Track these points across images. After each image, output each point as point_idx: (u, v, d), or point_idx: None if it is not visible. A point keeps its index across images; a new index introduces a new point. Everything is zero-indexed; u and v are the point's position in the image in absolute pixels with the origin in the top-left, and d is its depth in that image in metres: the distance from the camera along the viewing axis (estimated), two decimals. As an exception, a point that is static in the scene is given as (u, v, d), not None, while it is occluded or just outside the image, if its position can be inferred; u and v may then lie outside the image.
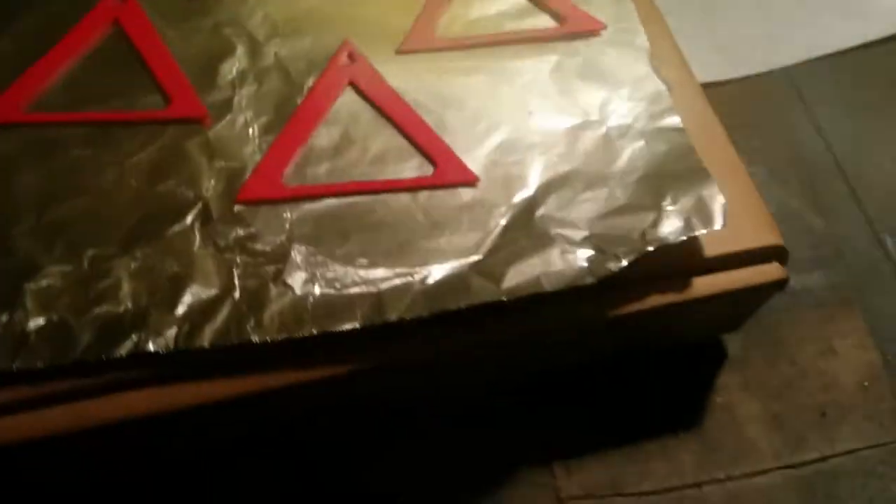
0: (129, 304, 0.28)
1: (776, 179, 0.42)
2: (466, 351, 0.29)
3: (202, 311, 0.28)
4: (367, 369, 0.28)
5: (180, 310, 0.28)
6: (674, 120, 0.33)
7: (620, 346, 0.34)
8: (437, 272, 0.29)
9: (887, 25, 0.47)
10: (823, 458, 0.34)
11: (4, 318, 0.27)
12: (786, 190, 0.42)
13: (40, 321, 0.27)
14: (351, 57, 0.34)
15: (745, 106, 0.45)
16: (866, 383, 0.36)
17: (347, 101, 0.33)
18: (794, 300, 0.38)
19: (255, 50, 0.34)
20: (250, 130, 0.32)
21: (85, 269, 0.29)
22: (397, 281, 0.28)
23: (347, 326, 0.27)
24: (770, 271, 0.30)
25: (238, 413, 0.29)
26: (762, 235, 0.30)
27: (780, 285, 0.31)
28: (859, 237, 0.41)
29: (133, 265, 0.29)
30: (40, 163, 0.31)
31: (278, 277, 0.28)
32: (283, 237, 0.30)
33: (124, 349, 0.27)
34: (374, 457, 0.33)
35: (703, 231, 0.29)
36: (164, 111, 0.32)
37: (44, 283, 0.28)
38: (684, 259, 0.30)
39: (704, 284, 0.30)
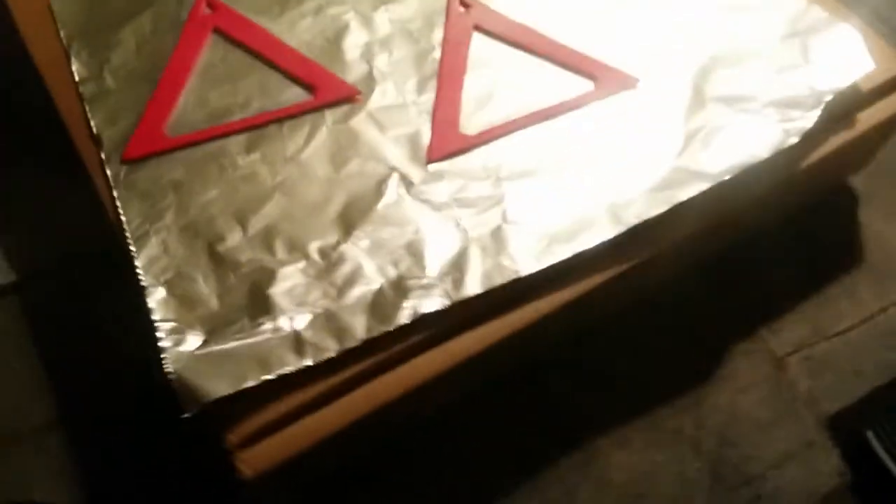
0: (382, 280, 0.27)
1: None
2: (686, 236, 0.30)
3: (455, 266, 0.28)
4: (617, 276, 0.29)
5: (432, 270, 0.28)
6: None
7: (793, 203, 0.36)
8: (651, 173, 0.29)
9: None
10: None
11: (269, 325, 0.26)
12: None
13: (306, 317, 0.26)
14: (464, 4, 0.35)
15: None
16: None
17: (479, 45, 0.34)
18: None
19: (367, 22, 0.34)
20: (404, 96, 0.32)
21: (318, 262, 0.28)
22: (620, 189, 0.29)
23: (599, 239, 0.28)
24: (909, 93, 0.33)
25: (505, 351, 0.29)
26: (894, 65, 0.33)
27: (920, 106, 0.33)
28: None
29: (363, 245, 0.28)
30: (215, 178, 0.30)
31: (505, 217, 0.29)
32: (490, 181, 0.30)
33: (403, 317, 0.26)
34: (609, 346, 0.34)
35: (863, 72, 0.31)
36: (315, 99, 0.32)
37: (286, 284, 0.27)
38: (847, 101, 0.32)
39: (867, 118, 0.32)
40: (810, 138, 0.31)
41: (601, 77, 0.32)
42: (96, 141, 0.31)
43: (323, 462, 0.28)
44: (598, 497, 0.31)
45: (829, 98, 0.30)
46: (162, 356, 0.25)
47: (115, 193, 0.30)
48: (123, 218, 0.29)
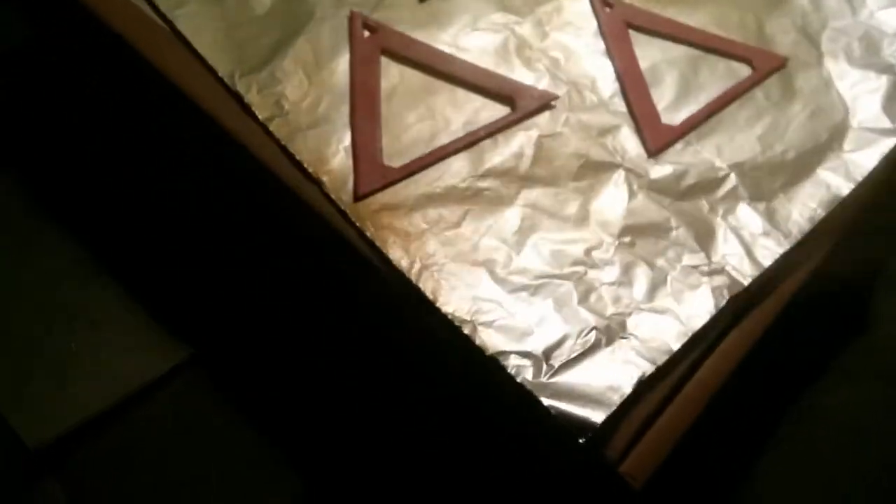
0: (672, 271, 0.29)
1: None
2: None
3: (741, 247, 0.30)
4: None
5: (716, 256, 0.29)
6: None
7: None
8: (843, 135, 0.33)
9: None
10: None
11: (595, 335, 0.26)
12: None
13: (623, 320, 0.27)
14: (607, 4, 0.36)
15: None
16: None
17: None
18: None
19: (525, 34, 0.34)
20: (597, 97, 0.33)
21: (600, 267, 0.28)
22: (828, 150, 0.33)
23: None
24: None
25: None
26: None
27: None
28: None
29: (627, 240, 0.29)
30: (459, 202, 0.30)
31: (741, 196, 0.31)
32: (708, 166, 0.31)
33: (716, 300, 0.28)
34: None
35: None
36: (518, 111, 0.32)
37: (586, 293, 0.28)
38: None
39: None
40: None
41: (758, 62, 0.35)
42: (316, 181, 0.29)
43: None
44: None
45: None
46: (528, 389, 0.25)
47: (368, 233, 0.28)
48: (390, 256, 0.27)
